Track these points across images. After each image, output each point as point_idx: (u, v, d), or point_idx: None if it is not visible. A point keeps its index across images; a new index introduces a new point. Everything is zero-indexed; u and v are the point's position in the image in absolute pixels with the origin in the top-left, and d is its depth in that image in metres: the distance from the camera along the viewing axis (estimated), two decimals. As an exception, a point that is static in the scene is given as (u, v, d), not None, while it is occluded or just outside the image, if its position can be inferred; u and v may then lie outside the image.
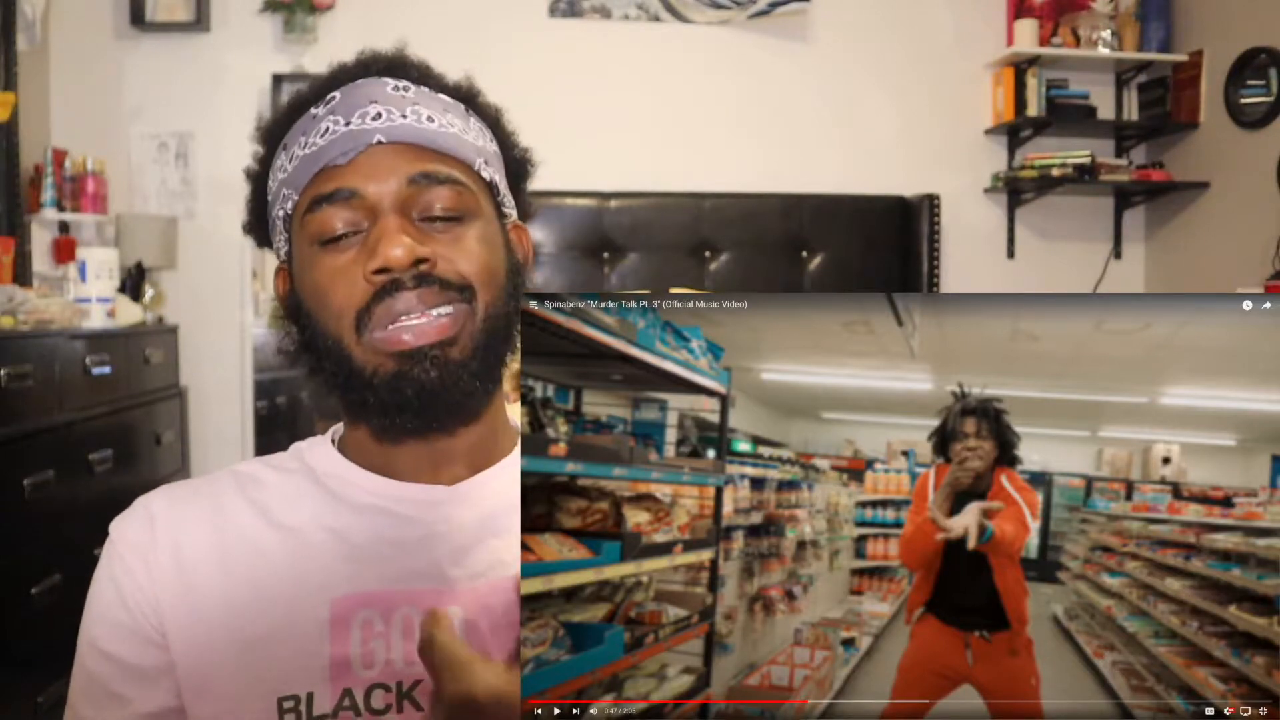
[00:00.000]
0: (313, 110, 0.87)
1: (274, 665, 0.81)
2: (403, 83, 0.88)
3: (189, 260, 3.65)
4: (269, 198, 0.91)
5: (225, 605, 0.82)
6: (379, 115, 0.84)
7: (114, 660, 0.83)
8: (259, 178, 0.92)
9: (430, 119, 0.85)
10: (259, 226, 0.94)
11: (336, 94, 0.87)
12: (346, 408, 0.87)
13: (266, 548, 0.84)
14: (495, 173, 0.90)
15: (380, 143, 0.83)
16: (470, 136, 0.88)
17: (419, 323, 0.81)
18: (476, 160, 0.88)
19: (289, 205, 0.87)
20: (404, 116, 0.84)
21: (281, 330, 0.90)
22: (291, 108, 0.90)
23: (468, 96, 0.92)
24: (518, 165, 0.96)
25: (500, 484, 0.89)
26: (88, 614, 0.85)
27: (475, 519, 0.87)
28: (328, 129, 0.84)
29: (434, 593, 0.84)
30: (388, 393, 0.81)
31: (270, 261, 3.75)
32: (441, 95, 0.90)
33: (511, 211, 0.93)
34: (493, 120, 0.94)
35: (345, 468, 0.88)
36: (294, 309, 0.88)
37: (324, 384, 0.85)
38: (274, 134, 0.90)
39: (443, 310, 0.81)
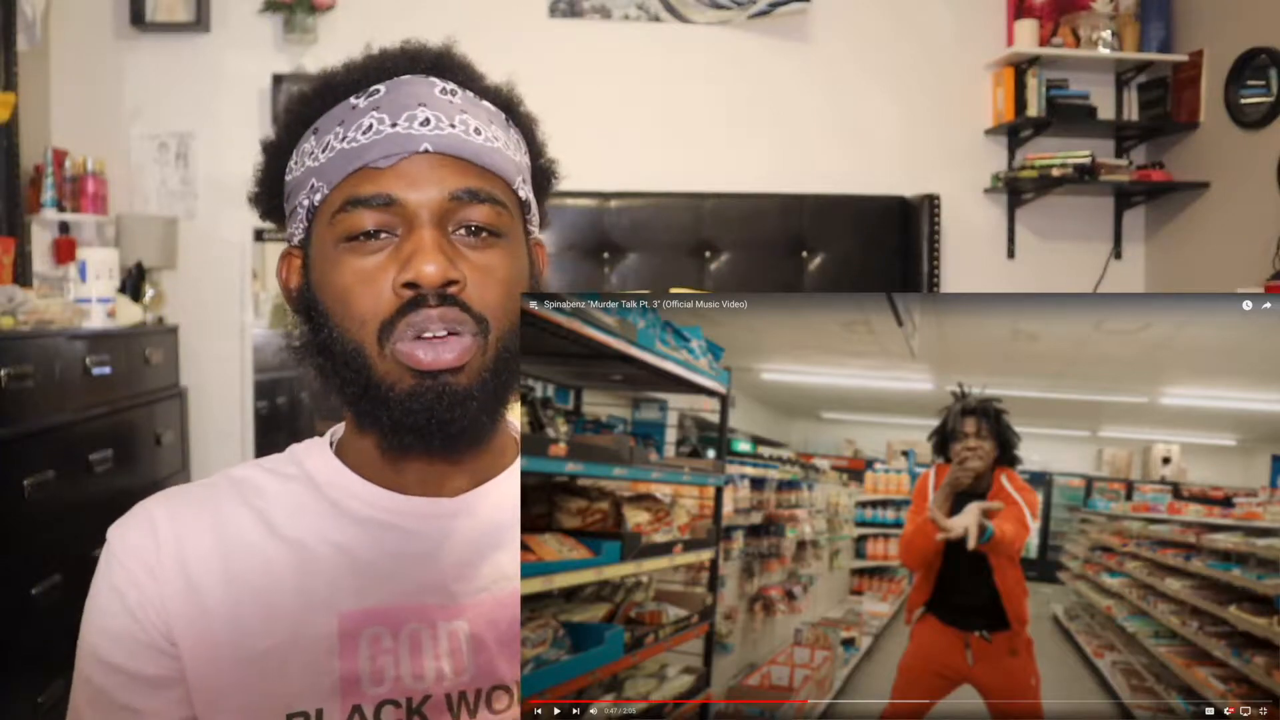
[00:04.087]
0: (353, 100, 0.84)
1: (282, 681, 0.80)
2: (449, 85, 0.85)
3: (189, 260, 3.65)
4: (288, 177, 0.88)
5: (232, 617, 0.81)
6: (427, 121, 0.81)
7: (121, 671, 0.81)
8: (278, 152, 0.88)
9: (477, 130, 0.83)
10: (267, 199, 0.91)
11: (381, 88, 0.83)
12: (357, 415, 0.85)
13: (271, 560, 0.83)
14: (529, 190, 0.89)
15: (426, 151, 0.81)
16: (510, 151, 0.86)
17: (435, 346, 0.79)
18: (516, 178, 0.86)
19: (317, 197, 0.83)
20: (452, 126, 0.82)
21: (286, 326, 0.89)
22: (326, 88, 0.86)
23: (508, 105, 0.90)
24: (543, 176, 0.94)
25: (503, 495, 0.88)
26: (88, 625, 0.84)
27: (479, 532, 0.86)
28: (371, 126, 0.81)
29: (441, 608, 0.83)
30: (401, 410, 0.80)
31: (270, 260, 3.76)
32: (485, 103, 0.87)
33: (535, 228, 0.92)
34: (528, 130, 0.92)
35: (347, 478, 0.87)
36: (306, 304, 0.85)
37: (336, 390, 0.83)
38: (303, 114, 0.86)
39: (459, 336, 0.80)
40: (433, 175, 0.81)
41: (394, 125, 0.81)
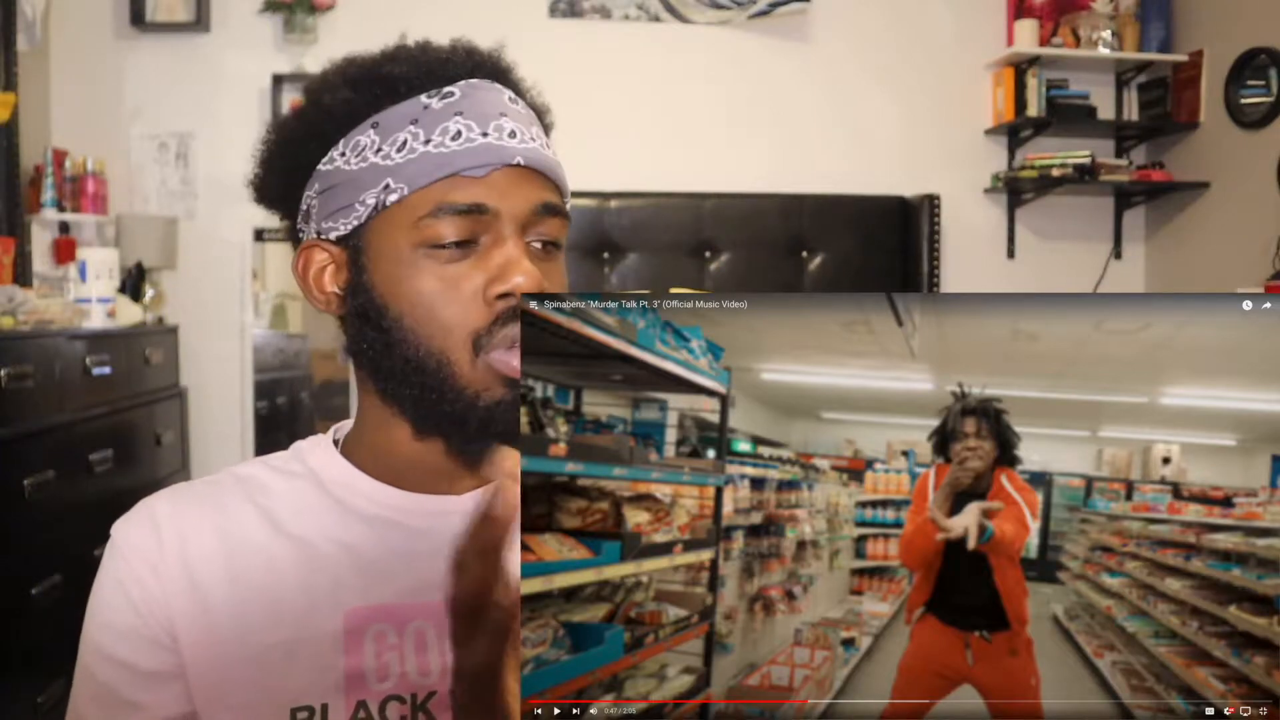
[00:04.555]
0: (424, 100, 0.82)
1: (287, 677, 0.80)
2: (510, 93, 0.86)
3: (189, 260, 3.65)
4: (329, 167, 0.84)
5: (236, 614, 0.81)
6: (514, 134, 0.82)
7: (125, 666, 0.82)
8: (313, 138, 0.85)
9: (546, 145, 0.86)
10: (279, 186, 0.88)
11: (455, 90, 0.83)
12: (422, 419, 0.83)
13: (276, 557, 0.83)
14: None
15: (519, 164, 0.82)
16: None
17: (519, 355, 0.80)
18: (568, 191, 0.89)
19: (392, 197, 0.81)
20: (532, 140, 0.83)
21: (343, 328, 0.85)
22: (383, 80, 0.83)
23: (540, 113, 0.91)
24: None
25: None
26: (92, 620, 0.84)
27: None
28: (460, 133, 0.81)
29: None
30: (489, 416, 0.81)
31: (270, 260, 3.77)
32: (533, 112, 0.89)
33: None
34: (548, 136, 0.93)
35: (353, 475, 0.87)
36: (363, 309, 0.83)
37: (398, 394, 0.82)
38: (355, 104, 0.83)
39: None
40: (523, 187, 0.82)
41: (485, 135, 0.81)
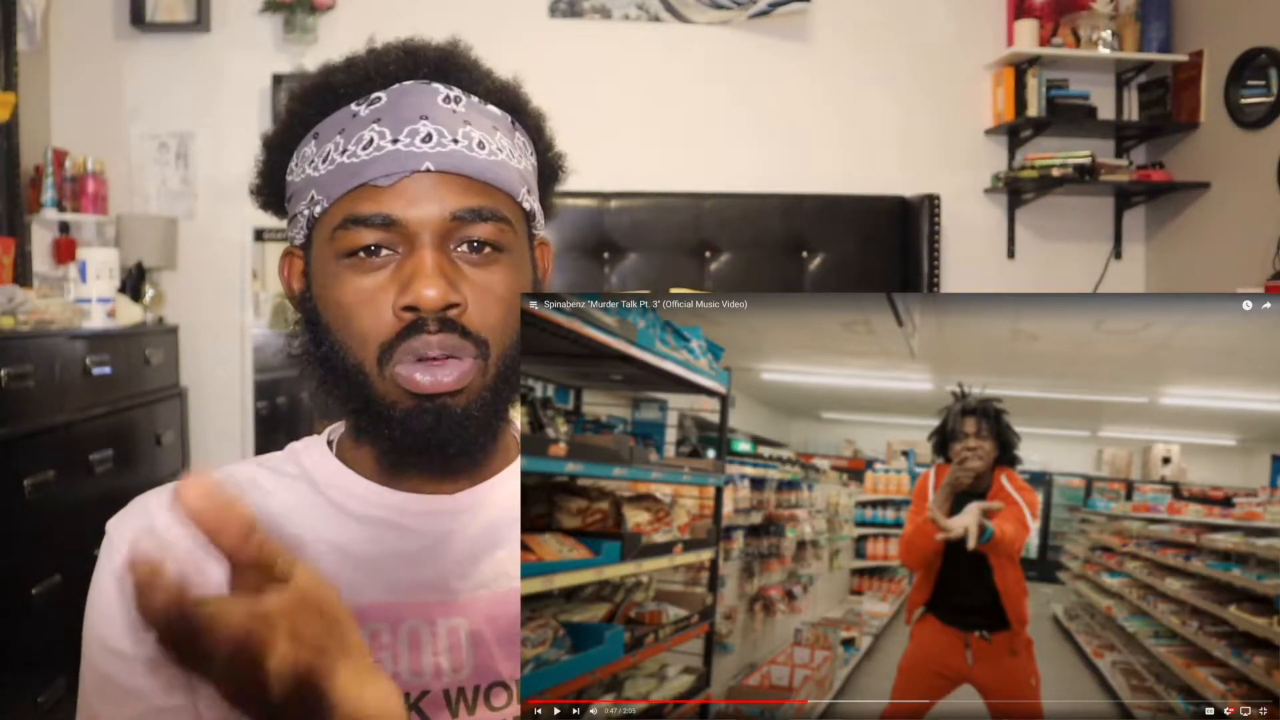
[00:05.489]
0: (354, 108, 0.83)
1: None
2: (454, 92, 0.84)
3: (189, 260, 3.65)
4: (290, 178, 0.87)
5: None
6: (429, 137, 0.80)
7: (125, 655, 0.82)
8: (280, 148, 0.88)
9: (481, 145, 0.82)
10: (268, 194, 0.91)
11: (382, 96, 0.82)
12: (356, 428, 0.86)
13: None
14: (534, 200, 0.89)
15: (428, 170, 0.80)
16: (515, 160, 0.85)
17: (434, 369, 0.79)
18: (520, 190, 0.85)
19: (317, 209, 0.83)
20: (455, 141, 0.81)
21: (288, 329, 0.89)
22: (327, 89, 0.84)
23: (514, 106, 0.89)
24: (550, 170, 0.94)
25: (503, 494, 0.88)
26: (92, 614, 0.84)
27: (479, 529, 0.86)
28: (372, 141, 0.80)
29: (440, 605, 0.84)
30: (400, 430, 0.81)
31: (270, 260, 3.77)
32: (490, 107, 0.86)
33: (541, 229, 0.91)
34: (535, 129, 0.91)
35: (346, 476, 0.87)
36: (309, 314, 0.86)
37: (337, 401, 0.84)
38: (303, 115, 0.85)
39: (458, 359, 0.80)
40: (434, 194, 0.80)
41: (395, 141, 0.80)
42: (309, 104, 0.85)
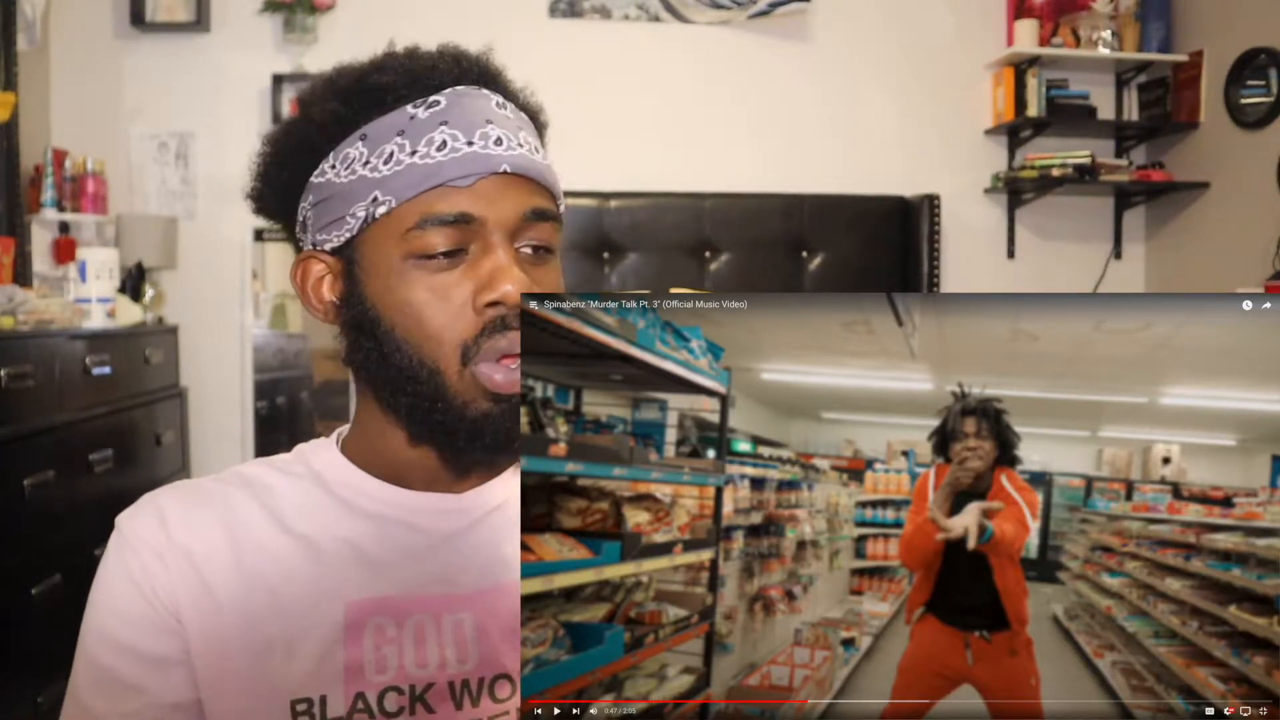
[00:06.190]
0: (410, 110, 0.82)
1: (288, 669, 0.81)
2: (499, 98, 0.85)
3: (189, 260, 3.65)
4: (320, 179, 0.84)
5: (240, 608, 0.82)
6: (500, 140, 0.82)
7: (130, 650, 0.82)
8: (304, 150, 0.85)
9: (536, 149, 0.85)
10: (275, 199, 0.89)
11: (440, 99, 0.82)
12: (415, 428, 0.84)
13: (280, 554, 0.84)
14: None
15: (505, 172, 0.82)
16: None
17: (508, 370, 0.81)
18: (560, 193, 0.88)
19: (381, 210, 0.81)
20: (520, 146, 0.83)
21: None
22: (370, 90, 0.83)
23: (534, 114, 0.90)
24: None
25: (507, 491, 0.90)
26: (96, 608, 0.84)
27: (484, 526, 0.88)
28: (445, 143, 0.81)
29: (445, 599, 0.85)
30: (476, 429, 0.82)
31: (270, 260, 3.77)
32: (523, 114, 0.88)
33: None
34: (542, 136, 0.92)
35: (356, 475, 0.88)
36: (357, 319, 0.84)
37: (393, 404, 0.83)
38: (344, 115, 0.83)
39: (517, 358, 0.81)
40: (509, 195, 0.82)
41: (470, 144, 0.81)
42: (350, 104, 0.84)
